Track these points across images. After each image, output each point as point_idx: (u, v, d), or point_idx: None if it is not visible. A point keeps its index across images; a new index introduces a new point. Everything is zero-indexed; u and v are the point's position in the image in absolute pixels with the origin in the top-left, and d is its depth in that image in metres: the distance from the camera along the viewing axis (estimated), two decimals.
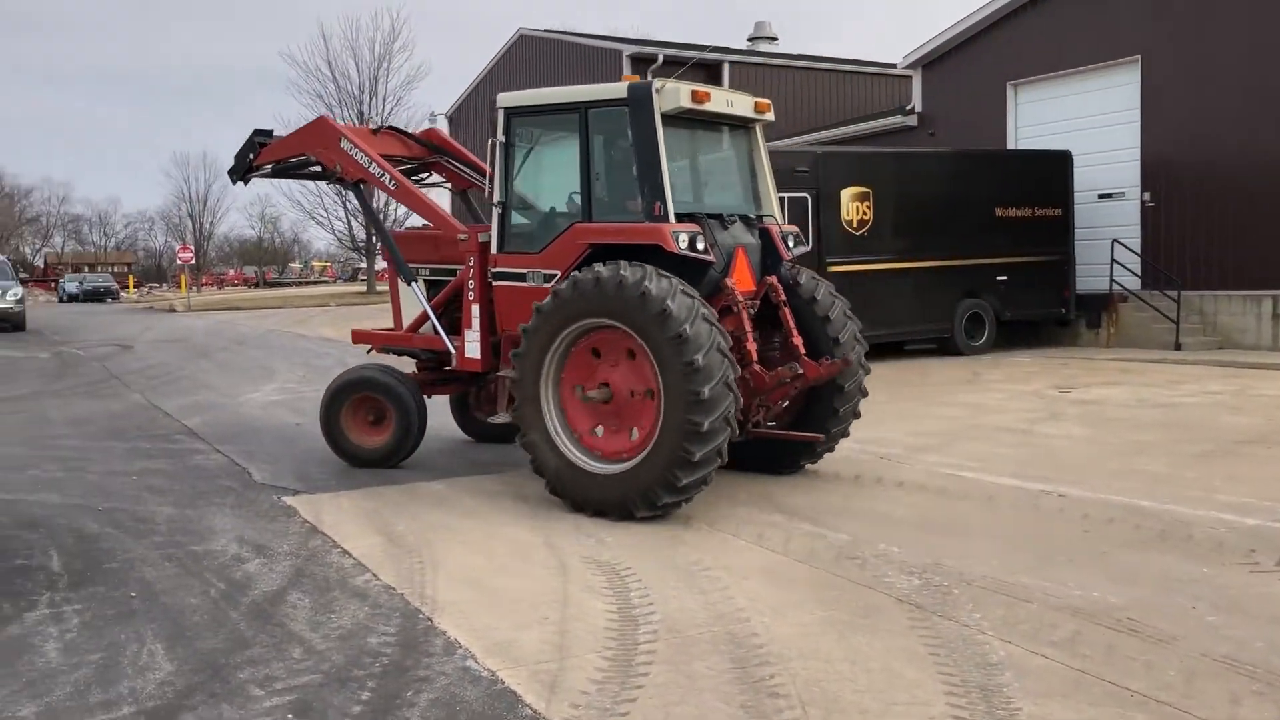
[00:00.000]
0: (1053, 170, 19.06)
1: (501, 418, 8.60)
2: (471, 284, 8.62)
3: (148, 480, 8.54)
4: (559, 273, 7.75)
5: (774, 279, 8.14)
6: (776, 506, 7.48)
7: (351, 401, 9.02)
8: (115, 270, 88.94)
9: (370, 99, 45.35)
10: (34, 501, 7.76)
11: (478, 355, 8.62)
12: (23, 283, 37.52)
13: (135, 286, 76.93)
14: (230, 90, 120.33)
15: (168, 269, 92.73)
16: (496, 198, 8.23)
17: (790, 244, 8.45)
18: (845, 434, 8.59)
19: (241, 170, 10.00)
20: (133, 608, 5.40)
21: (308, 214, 49.18)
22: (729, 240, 7.94)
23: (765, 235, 8.32)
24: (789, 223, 15.89)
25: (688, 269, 7.38)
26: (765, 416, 8.18)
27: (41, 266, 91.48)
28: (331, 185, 9.72)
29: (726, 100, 8.05)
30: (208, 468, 9.08)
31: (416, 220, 9.90)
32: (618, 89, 7.69)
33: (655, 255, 7.32)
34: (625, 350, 7.30)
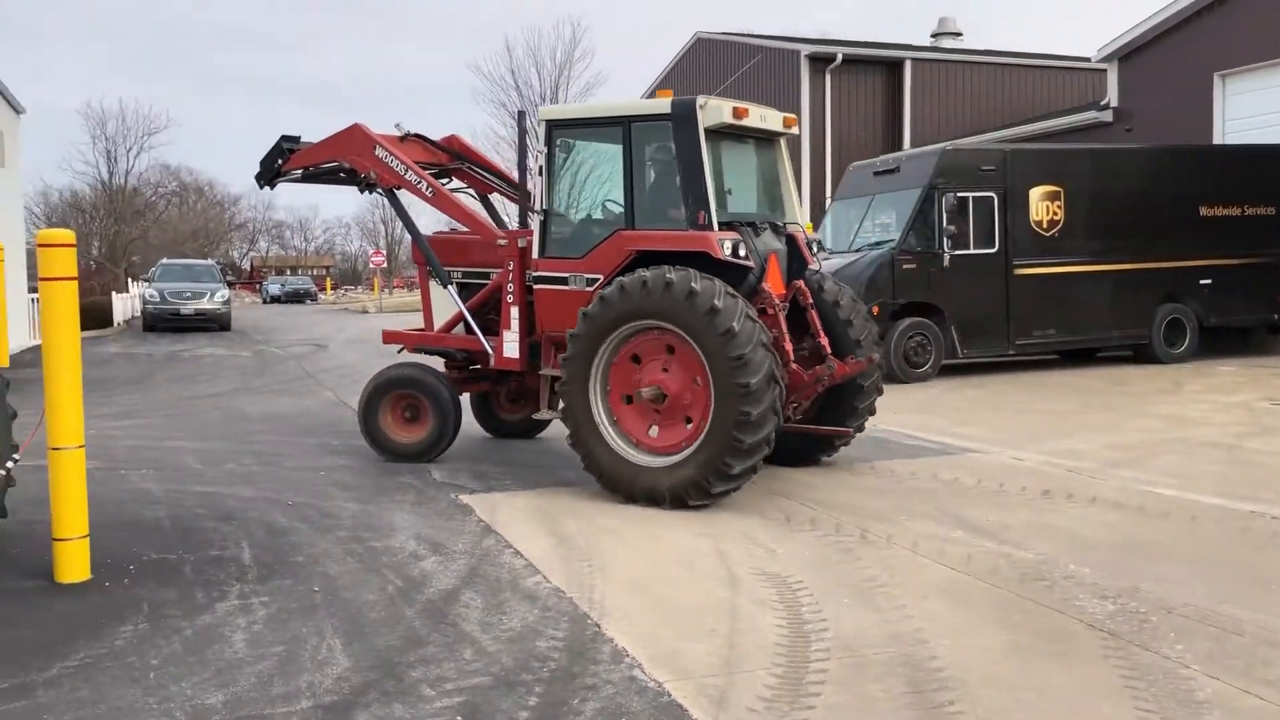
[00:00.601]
0: (1266, 166, 17.72)
1: (545, 414, 8.91)
2: (511, 287, 8.99)
3: (335, 476, 8.86)
4: (601, 276, 8.14)
5: (801, 283, 8.63)
6: (957, 521, 7.16)
7: (390, 398, 9.46)
8: (314, 273, 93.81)
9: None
10: (230, 494, 8.16)
11: (516, 355, 9.00)
12: (230, 285, 39.93)
13: (332, 288, 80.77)
14: (421, 101, 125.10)
15: (362, 272, 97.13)
16: (538, 205, 8.60)
17: (814, 250, 8.97)
18: (862, 429, 9.06)
19: (269, 175, 10.27)
20: (315, 602, 5.57)
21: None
22: (762, 246, 8.33)
23: (791, 241, 8.75)
24: (975, 223, 15.82)
25: (729, 273, 7.73)
26: (795, 412, 8.61)
27: (248, 269, 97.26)
28: (363, 190, 10.04)
29: (760, 115, 8.44)
30: (390, 465, 9.35)
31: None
32: (661, 104, 8.06)
33: (700, 261, 7.69)
34: (673, 350, 7.69)
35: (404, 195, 9.78)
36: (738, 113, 8.10)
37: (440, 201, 9.51)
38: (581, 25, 79.58)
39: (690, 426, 7.61)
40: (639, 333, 7.77)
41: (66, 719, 4.17)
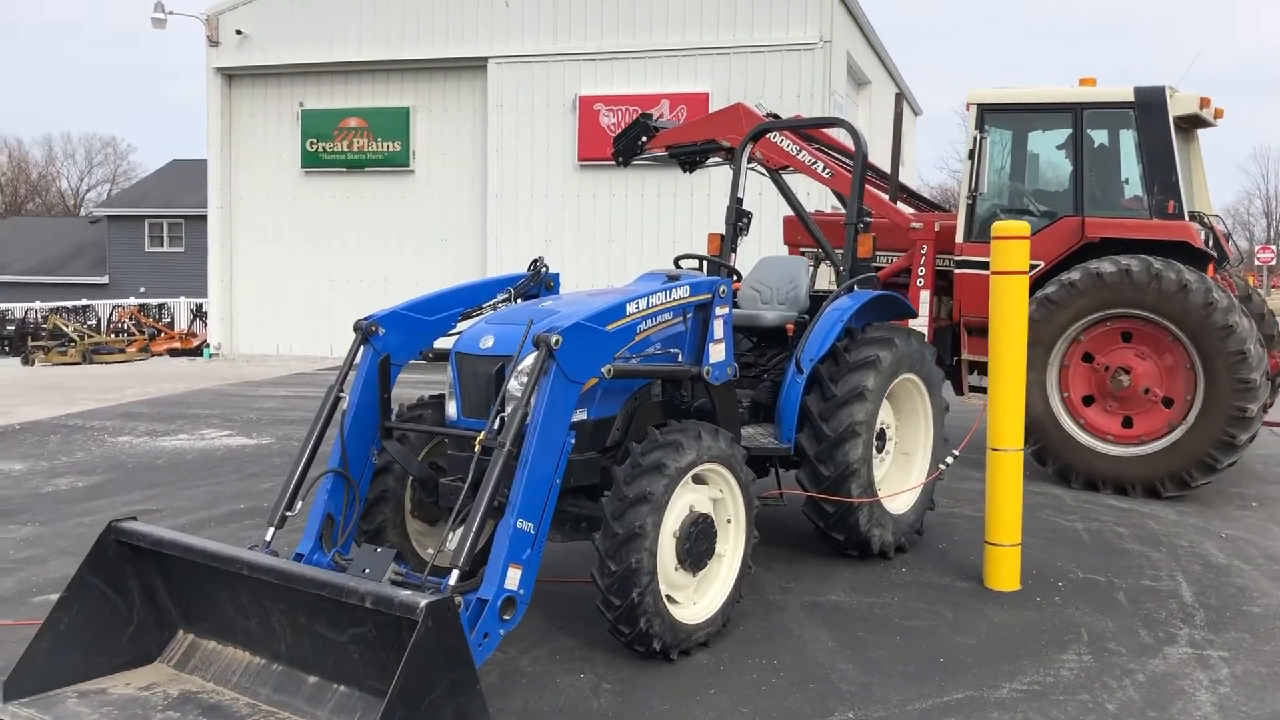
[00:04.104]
0: None
1: (973, 396, 8.65)
2: (922, 270, 8.76)
3: (1273, 510, 7.60)
4: (1042, 263, 7.95)
5: (1225, 275, 8.41)
6: None
7: None
8: None
9: None
10: (1146, 513, 7.40)
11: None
12: None
13: None
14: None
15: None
16: (968, 189, 8.48)
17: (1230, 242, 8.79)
18: None
19: (629, 153, 9.82)
20: None
21: None
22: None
23: (1212, 234, 8.38)
24: None
25: (1194, 264, 7.61)
26: None
27: None
28: (687, 169, 9.57)
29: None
30: None
31: None
32: (1123, 92, 8.03)
33: (1173, 250, 7.61)
34: (1131, 337, 7.75)
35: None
36: (1203, 103, 8.10)
37: (839, 182, 8.96)
38: None
39: (1166, 418, 7.62)
40: (1100, 321, 7.79)
41: None
